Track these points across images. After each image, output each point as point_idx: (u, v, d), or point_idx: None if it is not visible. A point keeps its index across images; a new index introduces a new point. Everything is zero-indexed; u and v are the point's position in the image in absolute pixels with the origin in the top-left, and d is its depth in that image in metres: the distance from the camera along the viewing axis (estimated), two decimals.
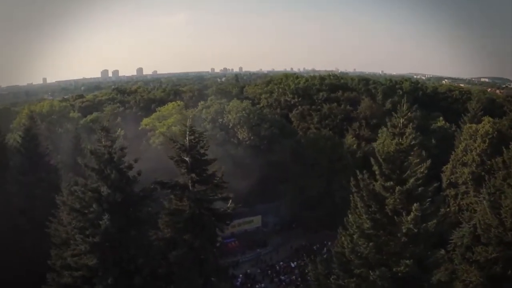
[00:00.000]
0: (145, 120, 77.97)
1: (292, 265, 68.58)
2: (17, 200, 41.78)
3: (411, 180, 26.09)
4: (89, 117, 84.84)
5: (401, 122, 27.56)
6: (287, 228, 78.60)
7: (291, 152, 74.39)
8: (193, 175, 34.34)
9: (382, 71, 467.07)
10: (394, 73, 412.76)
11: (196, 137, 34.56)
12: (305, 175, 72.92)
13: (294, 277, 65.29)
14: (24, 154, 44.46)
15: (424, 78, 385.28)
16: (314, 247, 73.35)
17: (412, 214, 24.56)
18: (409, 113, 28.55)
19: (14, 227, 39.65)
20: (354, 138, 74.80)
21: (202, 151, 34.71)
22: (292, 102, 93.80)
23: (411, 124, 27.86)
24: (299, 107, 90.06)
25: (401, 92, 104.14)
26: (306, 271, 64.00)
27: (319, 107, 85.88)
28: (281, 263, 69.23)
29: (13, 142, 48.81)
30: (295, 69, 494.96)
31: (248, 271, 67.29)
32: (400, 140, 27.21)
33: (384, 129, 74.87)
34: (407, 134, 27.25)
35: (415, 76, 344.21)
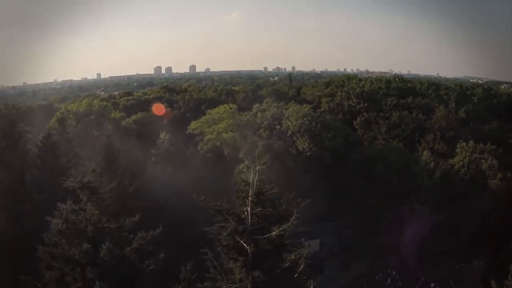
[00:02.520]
0: (193, 124, 70.81)
1: None
2: (29, 220, 34.81)
3: None
4: (132, 118, 77.56)
5: None
6: (346, 251, 69.08)
7: (357, 166, 64.88)
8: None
9: (437, 74, 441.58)
10: (449, 76, 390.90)
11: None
12: (371, 194, 63.30)
13: None
14: (41, 167, 37.65)
15: (481, 82, 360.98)
16: (377, 276, 63.64)
17: None
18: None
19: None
20: (429, 154, 64.21)
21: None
22: (356, 108, 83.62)
23: None
24: (365, 113, 79.99)
25: (475, 100, 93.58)
26: None
27: (387, 114, 75.56)
28: None
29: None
30: (349, 70, 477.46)
31: None
32: None
33: (463, 144, 64.20)
34: None
35: (471, 80, 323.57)
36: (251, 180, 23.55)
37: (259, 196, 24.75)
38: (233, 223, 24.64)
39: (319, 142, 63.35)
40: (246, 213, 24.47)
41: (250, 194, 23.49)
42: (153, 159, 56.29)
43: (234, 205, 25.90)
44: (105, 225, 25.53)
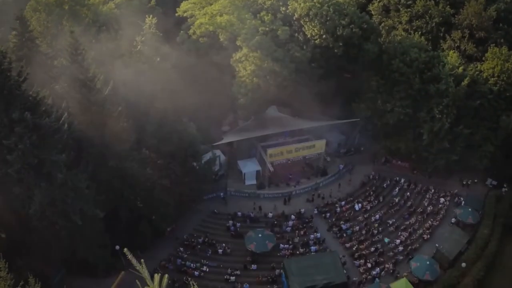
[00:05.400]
0: (184, 5, 60.13)
1: (356, 207, 55.06)
2: None
3: None
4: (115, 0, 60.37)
5: None
6: (354, 152, 63.66)
7: (373, 61, 56.46)
8: None
9: None
10: None
11: None
12: (387, 93, 55.97)
13: (357, 228, 52.21)
14: None
15: None
16: (385, 184, 59.01)
17: None
18: None
19: None
20: (458, 56, 55.10)
21: None
22: None
23: None
24: None
25: None
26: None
27: (409, 1, 64.61)
28: (343, 203, 55.59)
29: None
30: None
31: (302, 210, 54.24)
32: None
33: (496, 48, 55.18)
34: None
35: None
36: None
37: None
38: None
39: (330, 29, 53.90)
40: None
41: None
42: (138, 47, 47.41)
43: None
44: None
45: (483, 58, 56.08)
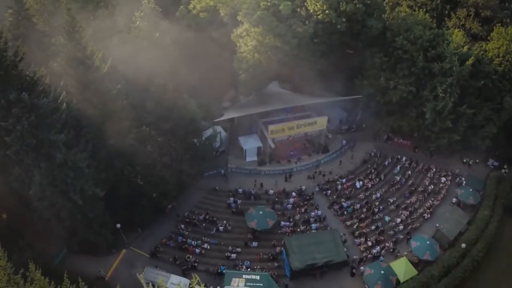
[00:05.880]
0: None
1: (357, 185, 54.96)
2: None
3: None
4: None
5: None
6: (355, 129, 63.11)
7: (376, 37, 55.33)
8: None
9: None
10: None
11: None
12: (390, 70, 55.07)
13: (358, 206, 52.20)
14: None
15: None
16: (386, 161, 58.74)
17: None
18: None
19: None
20: (463, 35, 53.77)
21: None
22: None
23: None
24: None
25: None
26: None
27: None
28: (344, 180, 55.45)
29: None
30: None
31: (303, 187, 54.15)
32: None
33: (501, 28, 53.95)
34: None
35: None
36: None
37: None
38: None
39: (333, 5, 52.54)
40: None
41: None
42: (137, 22, 46.29)
43: None
44: None
45: (488, 38, 55.10)
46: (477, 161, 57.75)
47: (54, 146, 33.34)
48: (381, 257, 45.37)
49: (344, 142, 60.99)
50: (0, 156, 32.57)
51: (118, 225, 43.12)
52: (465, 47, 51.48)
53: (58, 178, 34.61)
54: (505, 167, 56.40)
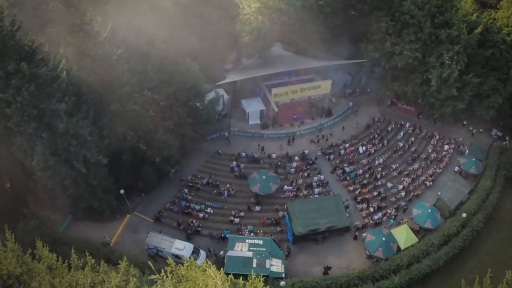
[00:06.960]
0: None
1: (360, 150, 54.84)
2: None
3: None
4: None
5: None
6: (359, 93, 62.18)
7: (383, 0, 53.55)
8: None
9: None
10: None
11: None
12: (396, 35, 53.59)
13: (361, 171, 52.16)
14: None
15: None
16: (389, 127, 58.24)
17: None
18: None
19: None
20: (472, 2, 51.48)
21: None
22: None
23: None
24: None
25: None
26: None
27: None
28: (347, 145, 55.22)
29: None
30: None
31: (306, 151, 53.98)
32: None
33: None
34: None
35: None
36: None
37: None
38: None
39: None
40: None
41: None
42: None
43: None
44: None
45: (498, 6, 52.97)
46: (481, 130, 57.16)
47: (55, 116, 32.96)
48: (392, 220, 45.75)
49: (351, 103, 60.33)
50: (1, 127, 32.21)
51: (122, 191, 43.30)
52: (474, 15, 49.67)
53: (60, 147, 34.43)
54: (507, 138, 55.99)
